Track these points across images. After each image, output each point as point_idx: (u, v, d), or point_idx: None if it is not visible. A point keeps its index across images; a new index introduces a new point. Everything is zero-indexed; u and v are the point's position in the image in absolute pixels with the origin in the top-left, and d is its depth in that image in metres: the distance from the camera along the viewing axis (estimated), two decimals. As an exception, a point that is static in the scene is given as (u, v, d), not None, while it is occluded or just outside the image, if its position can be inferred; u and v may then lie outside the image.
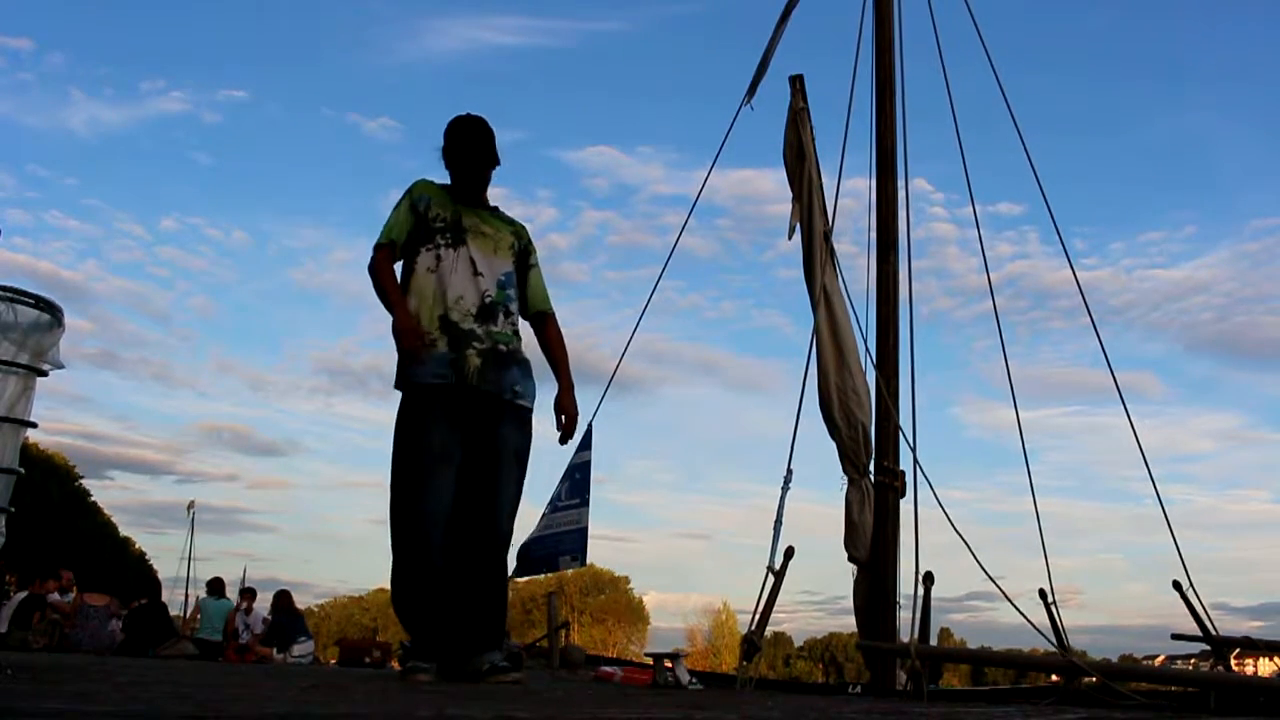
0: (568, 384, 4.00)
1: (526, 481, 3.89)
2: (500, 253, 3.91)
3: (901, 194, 6.23)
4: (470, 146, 3.88)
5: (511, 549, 3.92)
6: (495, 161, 3.94)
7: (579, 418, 4.02)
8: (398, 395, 3.84)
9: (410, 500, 3.67)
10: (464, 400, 3.72)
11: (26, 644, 11.62)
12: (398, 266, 3.92)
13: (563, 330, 4.12)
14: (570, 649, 6.60)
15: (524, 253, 4.01)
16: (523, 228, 4.06)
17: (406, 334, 3.70)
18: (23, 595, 13.16)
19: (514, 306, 3.92)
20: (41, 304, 3.91)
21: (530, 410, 3.88)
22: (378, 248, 3.87)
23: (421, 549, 3.66)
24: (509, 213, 4.09)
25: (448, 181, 3.99)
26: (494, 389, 3.75)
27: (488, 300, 3.80)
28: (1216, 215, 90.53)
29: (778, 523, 5.29)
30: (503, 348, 3.80)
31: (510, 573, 6.51)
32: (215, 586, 13.50)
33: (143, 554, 34.02)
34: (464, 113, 3.93)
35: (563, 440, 4.00)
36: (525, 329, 4.04)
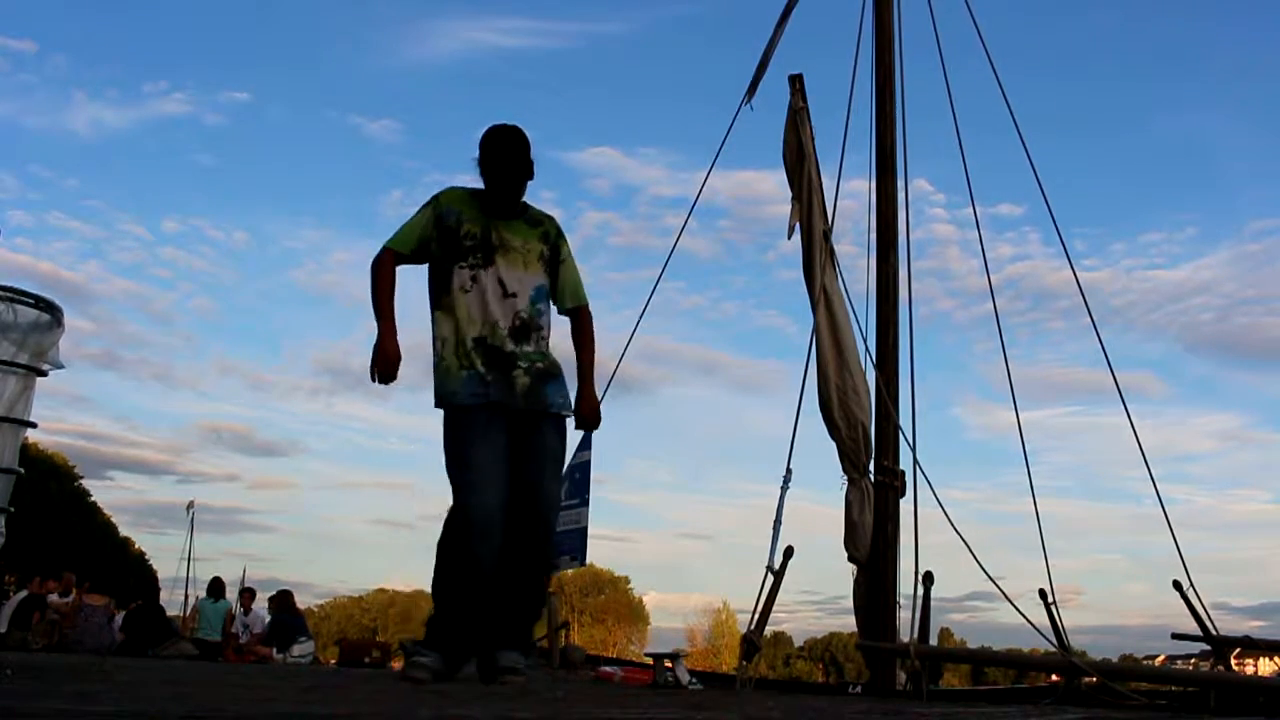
0: (589, 389, 3.99)
1: None
2: (530, 266, 3.87)
3: (901, 194, 6.23)
4: (504, 159, 3.80)
5: None
6: (529, 175, 3.88)
7: (600, 414, 4.03)
8: (404, 397, 3.87)
9: (462, 502, 3.69)
10: (507, 415, 3.75)
11: (26, 644, 11.62)
12: (413, 268, 3.91)
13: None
14: (570, 649, 6.60)
15: (554, 250, 3.96)
16: (551, 224, 3.99)
17: (383, 360, 3.71)
18: (23, 595, 13.17)
19: (546, 319, 3.92)
20: (41, 304, 3.91)
21: (566, 419, 3.92)
22: (386, 248, 3.85)
23: (470, 546, 3.66)
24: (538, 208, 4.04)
25: (479, 186, 3.93)
26: (539, 404, 3.80)
27: (519, 322, 3.81)
28: (1217, 216, 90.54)
29: (777, 523, 5.29)
30: (540, 365, 3.83)
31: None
32: (214, 588, 13.50)
33: (142, 554, 34.05)
34: (500, 123, 3.85)
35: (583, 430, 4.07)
36: (554, 330, 4.04)
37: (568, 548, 6.39)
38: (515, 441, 3.75)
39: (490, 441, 3.70)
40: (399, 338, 3.77)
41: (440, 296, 3.85)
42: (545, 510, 3.77)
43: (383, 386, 3.77)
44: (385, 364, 3.71)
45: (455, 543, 3.70)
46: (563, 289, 3.99)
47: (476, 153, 3.85)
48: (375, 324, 3.78)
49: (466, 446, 3.70)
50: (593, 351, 4.04)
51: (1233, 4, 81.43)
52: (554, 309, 4.01)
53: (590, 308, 4.07)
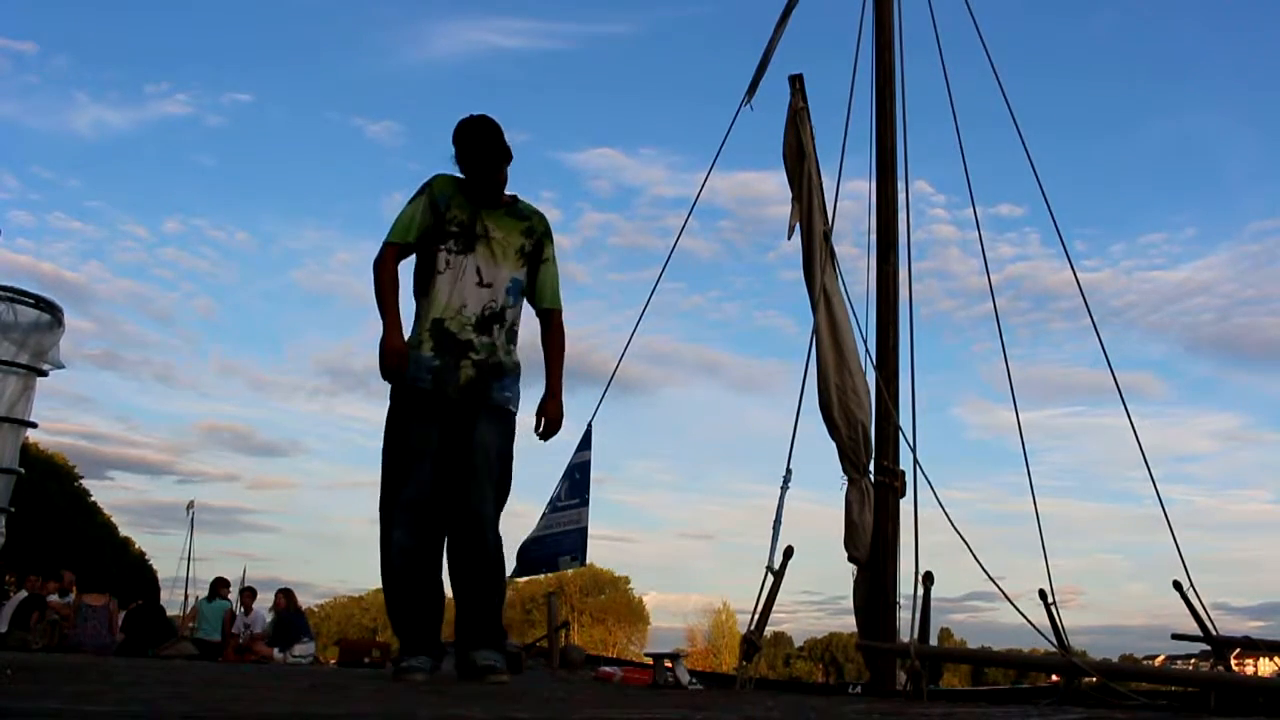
0: (554, 389, 3.99)
1: (525, 481, 3.96)
2: (508, 259, 3.88)
3: (902, 195, 6.23)
4: (480, 149, 3.82)
5: (510, 548, 3.94)
6: (507, 157, 3.89)
7: (562, 422, 4.00)
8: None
9: (389, 492, 3.74)
10: (443, 406, 3.76)
11: (26, 644, 11.62)
12: (410, 261, 3.93)
13: (566, 330, 4.11)
14: (570, 649, 6.60)
15: (538, 247, 3.97)
16: (538, 221, 3.99)
17: (391, 355, 3.74)
18: (23, 595, 13.17)
19: (517, 314, 3.93)
20: (41, 304, 3.91)
21: (511, 411, 3.90)
22: (387, 245, 3.86)
23: (397, 536, 3.72)
24: (531, 203, 4.04)
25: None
26: (478, 397, 3.79)
27: (489, 312, 3.82)
28: (1217, 217, 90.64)
29: (777, 523, 5.29)
30: (493, 359, 3.83)
31: (509, 573, 6.51)
32: (214, 588, 13.51)
33: (143, 554, 34.01)
34: (468, 115, 3.87)
35: (543, 438, 4.01)
36: (524, 329, 4.04)
37: (568, 547, 6.38)
38: (449, 434, 3.76)
39: (425, 430, 3.73)
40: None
41: (421, 278, 3.88)
42: (482, 510, 3.75)
43: (391, 384, 3.78)
44: (392, 358, 3.73)
45: (389, 532, 3.73)
46: (541, 289, 4.00)
47: (452, 150, 3.85)
48: (380, 323, 3.78)
49: (405, 431, 3.75)
50: (563, 355, 4.04)
51: (1232, 5, 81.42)
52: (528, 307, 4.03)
53: (563, 314, 4.07)
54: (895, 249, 6.13)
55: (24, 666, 3.97)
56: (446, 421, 3.76)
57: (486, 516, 3.78)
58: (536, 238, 3.97)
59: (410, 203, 3.90)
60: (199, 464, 79.78)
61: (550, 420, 3.97)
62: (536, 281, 3.99)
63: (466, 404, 3.78)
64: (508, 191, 3.99)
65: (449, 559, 3.80)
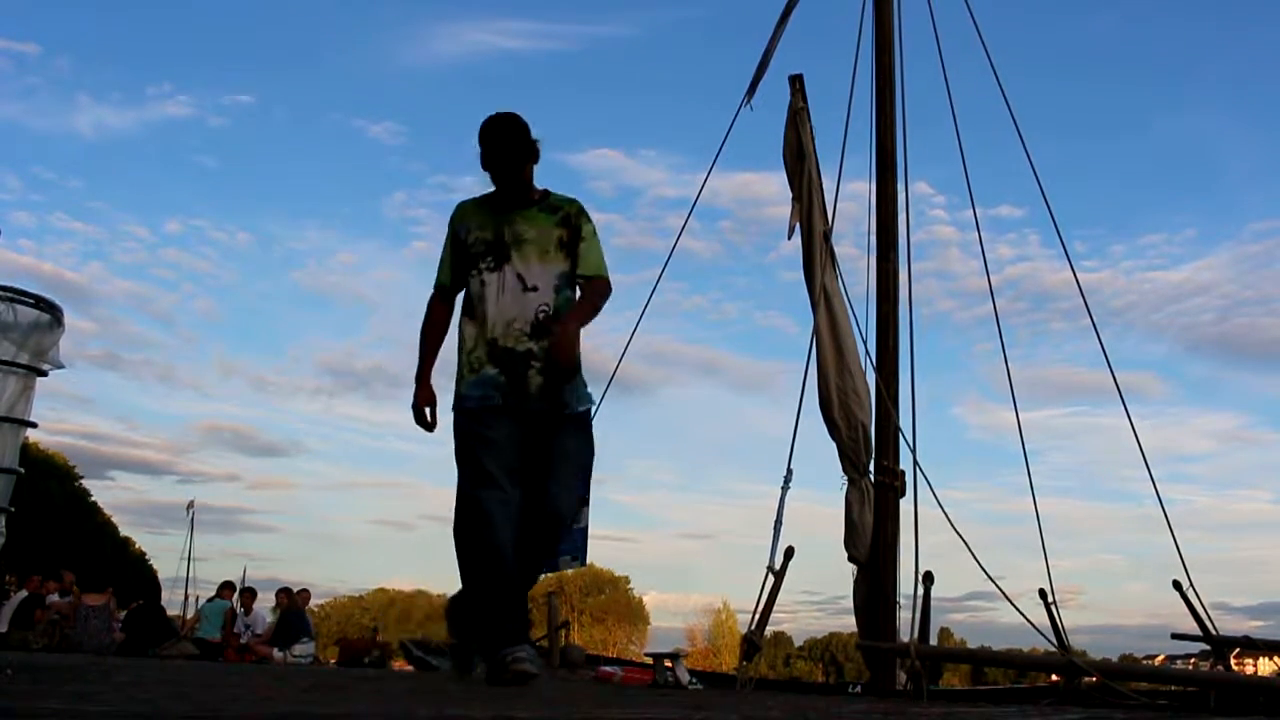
0: (572, 317, 3.76)
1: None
2: (550, 255, 3.80)
3: (901, 195, 6.23)
4: (498, 149, 3.75)
5: None
6: (531, 157, 3.80)
7: (569, 352, 3.70)
8: (407, 398, 3.87)
9: (474, 495, 3.63)
10: (520, 416, 3.69)
11: (26, 644, 11.63)
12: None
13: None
14: (570, 649, 6.61)
15: (574, 232, 3.86)
16: (572, 206, 3.89)
17: (417, 411, 3.79)
18: (23, 595, 13.18)
19: (570, 304, 3.84)
20: (41, 304, 3.91)
21: (589, 415, 3.84)
22: (436, 287, 3.91)
23: (488, 554, 3.60)
24: (561, 194, 3.95)
25: (487, 190, 3.88)
26: (554, 404, 3.73)
27: (542, 315, 3.73)
28: (1217, 217, 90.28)
29: (778, 523, 5.30)
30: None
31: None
32: (220, 589, 13.50)
33: (143, 554, 34.00)
34: (494, 112, 3.79)
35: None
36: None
37: (568, 548, 6.39)
38: (530, 442, 3.70)
39: (498, 439, 3.64)
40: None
41: (468, 306, 3.83)
42: (551, 512, 3.69)
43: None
44: (417, 414, 3.79)
45: (474, 538, 3.63)
46: (582, 262, 3.87)
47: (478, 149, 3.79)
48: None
49: (474, 445, 3.65)
50: (590, 305, 3.86)
51: (1232, 5, 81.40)
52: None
53: (610, 281, 3.92)
54: (895, 249, 6.14)
55: (24, 666, 3.97)
56: (524, 428, 3.70)
57: (563, 520, 3.75)
58: (573, 224, 3.87)
59: (444, 247, 3.93)
60: (199, 464, 79.56)
61: (560, 348, 3.67)
62: (578, 260, 3.86)
63: (546, 413, 3.71)
64: (538, 186, 3.90)
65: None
